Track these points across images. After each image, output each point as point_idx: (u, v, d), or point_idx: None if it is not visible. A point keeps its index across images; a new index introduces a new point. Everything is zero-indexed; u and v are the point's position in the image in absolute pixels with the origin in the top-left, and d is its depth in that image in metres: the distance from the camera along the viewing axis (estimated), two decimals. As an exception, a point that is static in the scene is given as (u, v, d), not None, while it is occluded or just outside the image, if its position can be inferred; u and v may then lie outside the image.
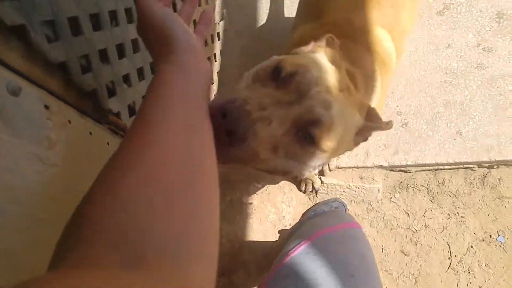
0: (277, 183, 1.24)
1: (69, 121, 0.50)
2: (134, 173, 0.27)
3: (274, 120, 0.44)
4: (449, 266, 1.28)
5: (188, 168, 0.30)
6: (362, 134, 0.56)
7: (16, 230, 0.40)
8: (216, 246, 0.32)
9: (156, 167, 0.28)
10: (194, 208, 0.29)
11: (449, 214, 1.32)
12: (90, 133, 0.55)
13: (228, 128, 0.41)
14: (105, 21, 0.63)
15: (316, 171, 0.69)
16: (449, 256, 1.29)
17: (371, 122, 0.56)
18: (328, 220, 0.80)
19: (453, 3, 1.43)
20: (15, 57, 0.46)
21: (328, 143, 0.48)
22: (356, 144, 0.57)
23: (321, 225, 0.76)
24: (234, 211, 1.31)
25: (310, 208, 1.26)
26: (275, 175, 0.51)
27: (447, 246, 1.30)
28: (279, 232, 1.30)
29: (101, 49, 0.62)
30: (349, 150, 0.58)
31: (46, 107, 0.46)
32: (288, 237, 0.87)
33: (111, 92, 0.66)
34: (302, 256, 0.65)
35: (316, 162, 0.51)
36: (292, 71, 0.48)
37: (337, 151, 0.52)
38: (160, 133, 0.30)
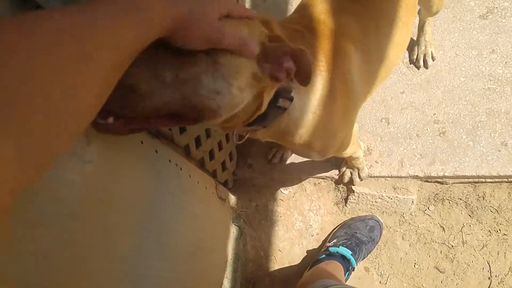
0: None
1: None
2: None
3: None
4: (489, 286, 1.19)
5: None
6: (268, 59, 0.47)
7: (57, 228, 0.39)
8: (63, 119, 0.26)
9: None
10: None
11: (489, 231, 1.23)
12: (126, 132, 0.54)
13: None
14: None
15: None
16: (489, 276, 1.20)
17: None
18: None
19: (497, 7, 1.35)
20: None
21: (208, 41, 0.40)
22: (275, 74, 0.48)
23: None
24: (260, 217, 1.28)
25: (345, 223, 1.21)
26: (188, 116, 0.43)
27: (487, 265, 1.21)
28: (307, 252, 1.25)
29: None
30: (267, 80, 0.48)
31: None
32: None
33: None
34: None
35: (217, 81, 0.43)
36: None
37: (236, 62, 0.44)
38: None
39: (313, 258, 1.16)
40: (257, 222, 1.26)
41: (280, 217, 1.27)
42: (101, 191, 0.47)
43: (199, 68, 0.41)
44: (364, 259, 1.21)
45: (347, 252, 1.08)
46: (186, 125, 0.47)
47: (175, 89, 0.40)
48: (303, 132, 0.66)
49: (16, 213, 0.34)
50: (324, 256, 1.09)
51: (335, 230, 1.21)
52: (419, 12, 1.22)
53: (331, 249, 1.09)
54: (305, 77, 0.49)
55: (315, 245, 1.25)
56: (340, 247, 1.09)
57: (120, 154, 0.52)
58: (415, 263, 1.23)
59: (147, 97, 0.38)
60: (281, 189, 1.28)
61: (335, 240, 1.15)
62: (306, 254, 1.23)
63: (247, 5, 1.49)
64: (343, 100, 0.69)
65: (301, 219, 1.26)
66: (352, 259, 1.08)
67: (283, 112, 0.59)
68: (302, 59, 0.47)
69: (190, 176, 0.75)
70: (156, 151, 0.62)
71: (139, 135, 0.58)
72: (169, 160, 0.67)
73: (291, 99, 0.58)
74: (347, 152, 0.93)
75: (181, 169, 0.71)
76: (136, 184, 0.56)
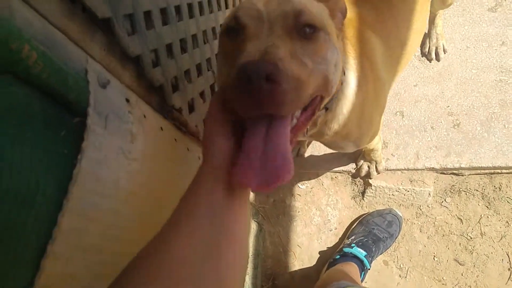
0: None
1: (144, 115, 0.50)
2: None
3: (275, 41, 0.41)
4: (509, 278, 1.19)
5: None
6: (334, 15, 0.54)
7: (104, 225, 0.39)
8: None
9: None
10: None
11: (507, 222, 1.23)
12: (161, 128, 0.55)
13: (264, 75, 0.36)
14: (172, 16, 0.63)
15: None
16: (509, 267, 1.20)
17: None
18: None
19: (505, 0, 1.36)
20: (97, 49, 0.46)
21: (318, 20, 0.46)
22: (339, 25, 0.56)
23: None
24: (277, 212, 1.28)
25: (363, 218, 1.20)
26: (317, 90, 0.46)
27: (507, 256, 1.20)
28: (319, 253, 1.25)
29: (167, 44, 0.62)
30: (340, 34, 0.56)
31: (127, 100, 0.45)
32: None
33: (174, 88, 0.66)
34: None
35: (334, 53, 0.48)
36: (234, 16, 0.46)
37: (331, 29, 0.50)
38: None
39: (329, 258, 1.16)
40: (275, 218, 1.27)
41: (298, 212, 1.27)
42: (143, 188, 0.48)
43: (323, 45, 0.46)
44: (383, 253, 1.21)
45: (360, 254, 1.08)
46: (317, 111, 0.49)
47: (316, 71, 0.44)
48: (346, 119, 0.66)
49: (75, 208, 0.35)
50: (338, 257, 1.09)
51: (354, 226, 1.21)
52: (430, 5, 1.23)
53: (345, 250, 1.10)
54: (344, 14, 0.57)
55: (333, 240, 1.25)
56: (354, 247, 1.09)
57: (159, 152, 0.53)
58: (434, 256, 1.23)
59: (307, 85, 0.41)
60: (298, 184, 1.28)
61: (353, 237, 1.15)
62: (325, 250, 1.23)
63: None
64: (374, 84, 0.70)
65: (319, 213, 1.27)
66: (366, 261, 1.07)
67: (340, 87, 0.61)
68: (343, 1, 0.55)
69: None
70: (188, 149, 0.63)
71: (172, 133, 0.59)
72: (199, 157, 0.67)
73: (343, 72, 0.60)
74: (373, 142, 0.93)
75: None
76: (172, 181, 0.57)
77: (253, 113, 0.38)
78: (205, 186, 0.39)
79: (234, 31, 0.46)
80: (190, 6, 0.71)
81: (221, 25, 0.88)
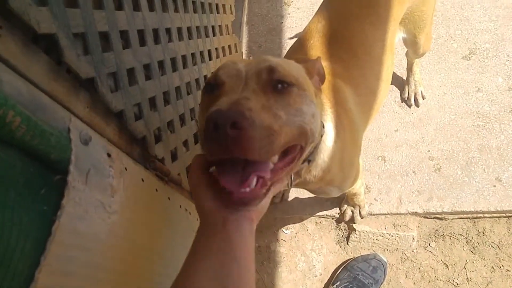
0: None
1: (126, 168, 0.51)
2: None
3: (248, 95, 0.45)
4: (497, 326, 1.17)
5: None
6: (311, 75, 0.58)
7: (82, 277, 0.40)
8: None
9: None
10: None
11: (493, 267, 1.22)
12: (142, 180, 0.56)
13: (229, 122, 0.39)
14: (155, 71, 0.67)
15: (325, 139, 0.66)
16: (497, 315, 1.18)
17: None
18: None
19: (478, 48, 1.45)
20: (81, 107, 0.49)
21: (291, 76, 0.50)
22: (317, 85, 0.60)
23: None
24: (262, 258, 1.25)
25: (348, 263, 1.19)
26: (293, 141, 0.48)
27: (494, 303, 1.19)
28: None
29: (150, 97, 0.65)
30: (318, 93, 0.59)
31: (109, 155, 0.47)
32: None
33: (157, 138, 0.68)
34: None
35: (310, 106, 0.51)
36: (214, 74, 0.51)
37: (308, 86, 0.53)
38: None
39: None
40: (260, 264, 1.24)
41: (283, 258, 1.25)
42: (124, 239, 0.48)
43: (297, 98, 0.49)
44: (369, 300, 1.18)
45: None
46: (297, 159, 0.51)
47: (291, 122, 0.47)
48: (329, 165, 0.68)
49: (52, 263, 0.35)
50: None
51: (338, 271, 1.19)
52: (406, 54, 1.31)
53: None
54: (322, 78, 0.62)
55: (319, 286, 1.22)
56: None
57: (139, 203, 0.54)
58: (421, 304, 1.21)
59: (279, 134, 0.44)
60: (283, 229, 1.27)
61: (337, 283, 1.13)
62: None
63: (244, 51, 1.58)
64: (350, 129, 0.74)
65: (304, 259, 1.25)
66: None
67: (320, 139, 0.63)
68: (321, 65, 0.60)
69: (197, 220, 0.76)
70: (169, 198, 0.64)
71: (153, 183, 0.60)
72: (180, 206, 0.68)
73: (323, 126, 0.63)
74: (356, 186, 0.95)
75: (190, 213, 0.72)
76: (155, 230, 0.57)
77: (223, 156, 0.41)
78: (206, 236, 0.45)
79: (213, 87, 0.50)
80: (173, 60, 0.75)
81: (204, 76, 0.93)
